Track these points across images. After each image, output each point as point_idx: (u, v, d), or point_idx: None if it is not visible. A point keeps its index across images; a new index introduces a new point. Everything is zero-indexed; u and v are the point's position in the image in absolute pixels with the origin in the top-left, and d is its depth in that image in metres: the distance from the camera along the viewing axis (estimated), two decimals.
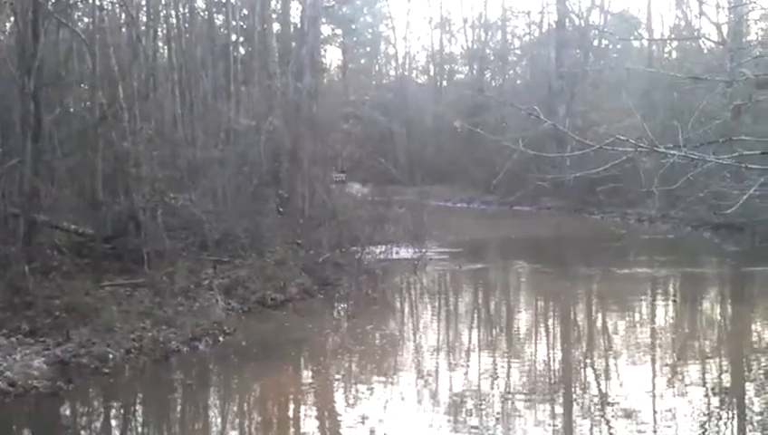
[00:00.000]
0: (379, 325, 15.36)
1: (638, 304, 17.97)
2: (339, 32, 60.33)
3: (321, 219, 21.76)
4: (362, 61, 67.41)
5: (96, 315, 12.56)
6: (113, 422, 10.42)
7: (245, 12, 30.32)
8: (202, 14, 29.78)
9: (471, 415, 10.11)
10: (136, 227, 16.20)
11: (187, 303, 14.20)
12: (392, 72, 67.47)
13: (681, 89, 28.82)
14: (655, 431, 9.28)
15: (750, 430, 9.54)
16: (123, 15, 22.08)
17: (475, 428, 9.61)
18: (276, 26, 31.00)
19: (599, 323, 16.38)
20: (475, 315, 17.28)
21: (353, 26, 60.79)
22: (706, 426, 9.58)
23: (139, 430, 10.20)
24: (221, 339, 13.18)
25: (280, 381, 11.90)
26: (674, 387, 11.20)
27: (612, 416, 9.90)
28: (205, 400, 11.22)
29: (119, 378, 11.22)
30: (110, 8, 21.86)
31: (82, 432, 10.06)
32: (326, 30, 54.32)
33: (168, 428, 10.25)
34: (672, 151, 7.04)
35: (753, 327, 15.67)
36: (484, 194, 42.85)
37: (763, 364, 12.60)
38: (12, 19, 16.37)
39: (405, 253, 21.86)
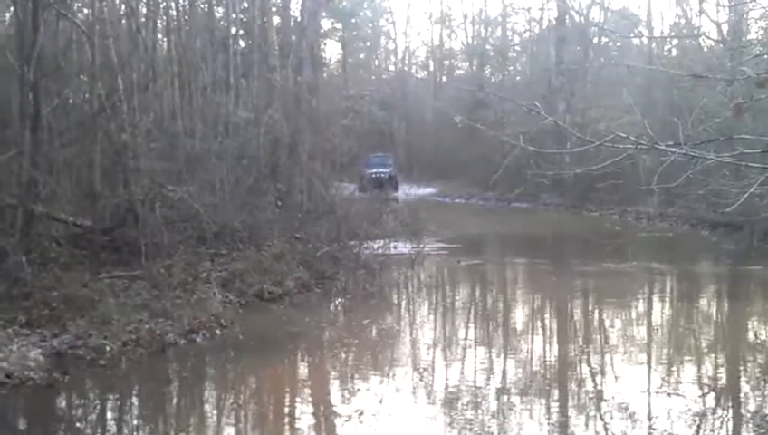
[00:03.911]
0: (376, 320, 15.37)
1: (635, 302, 17.98)
2: (339, 26, 60.33)
3: (319, 213, 21.75)
4: (362, 55, 67.42)
5: (93, 307, 12.55)
6: (109, 414, 10.41)
7: (245, 5, 30.26)
8: (202, 6, 29.74)
9: (467, 409, 10.11)
10: (134, 219, 16.17)
11: (185, 295, 14.16)
12: (392, 67, 67.62)
13: (681, 87, 28.84)
14: (650, 428, 9.28)
15: (745, 428, 9.56)
16: (123, 7, 22.06)
17: (471, 422, 9.62)
18: (276, 19, 30.98)
19: (595, 320, 16.39)
20: (472, 311, 17.29)
21: (353, 20, 60.81)
22: (702, 423, 9.58)
23: (135, 422, 10.18)
24: (218, 332, 13.16)
25: (276, 374, 11.90)
26: (670, 384, 11.22)
27: (608, 412, 9.91)
28: (201, 392, 11.22)
29: (115, 370, 11.21)
30: None
31: (78, 424, 10.04)
32: (326, 24, 54.34)
33: (165, 420, 10.23)
34: (672, 149, 7.04)
35: (749, 325, 15.68)
36: (483, 190, 42.82)
37: (759, 362, 12.62)
38: (11, 9, 16.34)
39: (403, 248, 21.84)
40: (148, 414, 10.38)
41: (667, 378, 11.60)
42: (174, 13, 25.47)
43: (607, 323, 16.02)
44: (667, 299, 18.88)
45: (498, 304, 18.46)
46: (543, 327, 15.95)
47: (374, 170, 43.59)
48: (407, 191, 41.50)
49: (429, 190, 47.45)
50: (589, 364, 12.58)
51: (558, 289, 18.70)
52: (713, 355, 13.40)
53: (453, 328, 15.62)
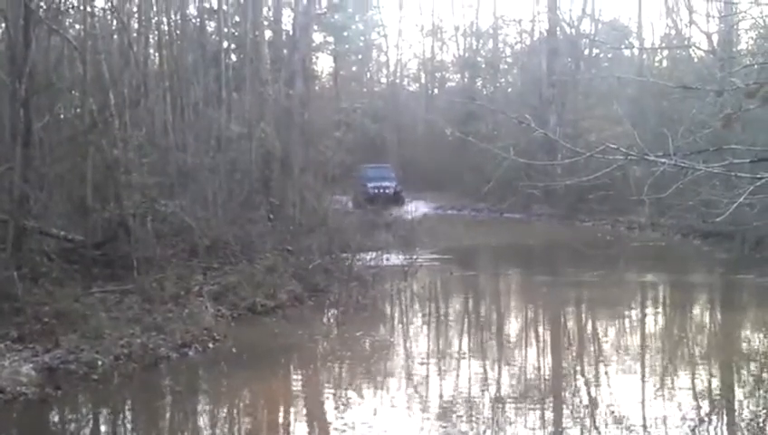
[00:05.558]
0: (369, 332, 15.35)
1: (628, 312, 17.98)
2: (330, 39, 60.34)
3: (311, 226, 21.74)
4: (354, 68, 67.37)
5: (85, 322, 12.51)
6: (102, 429, 10.38)
7: (237, 19, 30.30)
8: (193, 20, 29.75)
9: (461, 421, 10.10)
10: (126, 234, 16.15)
11: (177, 309, 14.13)
12: (384, 80, 67.55)
13: (671, 98, 28.99)
14: None
15: None
16: (115, 22, 22.08)
17: (465, 434, 9.61)
18: (268, 33, 30.98)
19: (588, 330, 16.41)
20: (466, 322, 17.28)
21: (345, 34, 60.80)
22: (696, 432, 9.59)
23: None
24: (211, 346, 13.12)
25: (270, 387, 11.87)
26: (664, 393, 11.23)
27: (602, 422, 9.91)
28: (194, 406, 11.18)
29: (107, 384, 11.17)
30: (101, 15, 21.86)
31: None
32: (318, 37, 54.36)
33: None
34: (662, 160, 7.07)
35: (742, 334, 15.71)
36: (475, 201, 42.85)
37: (752, 371, 12.64)
38: (3, 25, 16.34)
39: (395, 259, 21.84)
40: (141, 429, 10.35)
41: (661, 387, 11.61)
42: (165, 27, 25.45)
43: (600, 332, 16.04)
44: (661, 308, 18.90)
45: (491, 315, 18.46)
46: (537, 338, 15.95)
47: (375, 184, 40.44)
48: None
49: (429, 206, 46.06)
50: (583, 374, 12.59)
51: (551, 299, 18.70)
52: (707, 364, 13.41)
53: (446, 339, 15.61)
